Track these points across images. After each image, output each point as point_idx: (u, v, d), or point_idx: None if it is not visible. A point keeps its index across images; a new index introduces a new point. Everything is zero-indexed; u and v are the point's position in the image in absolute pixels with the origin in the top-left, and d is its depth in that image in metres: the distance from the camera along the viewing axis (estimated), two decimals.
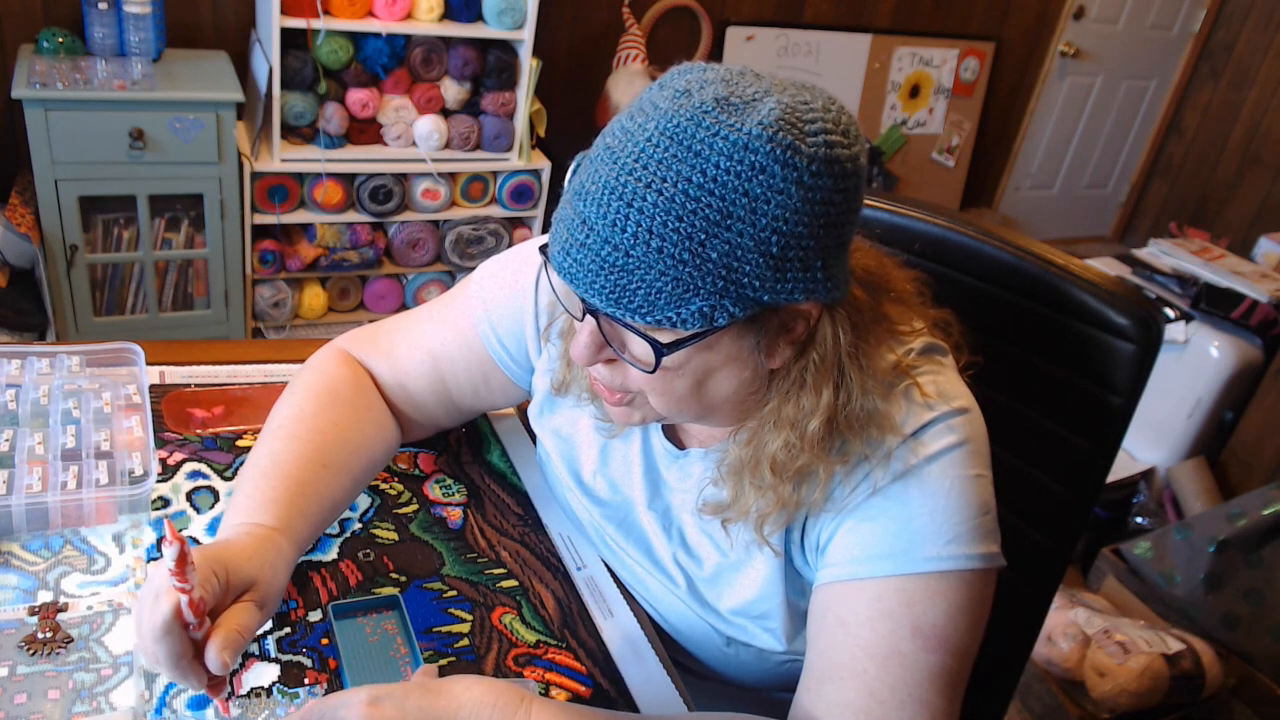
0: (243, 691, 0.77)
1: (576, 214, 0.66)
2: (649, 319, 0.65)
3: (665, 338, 0.67)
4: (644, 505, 0.91)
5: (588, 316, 0.71)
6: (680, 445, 0.88)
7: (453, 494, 1.02)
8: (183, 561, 0.64)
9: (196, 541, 0.90)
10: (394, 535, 0.95)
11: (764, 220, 0.62)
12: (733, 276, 0.64)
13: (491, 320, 0.94)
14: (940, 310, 0.83)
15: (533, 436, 1.13)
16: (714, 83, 0.65)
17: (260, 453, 0.86)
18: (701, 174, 0.62)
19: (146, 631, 0.66)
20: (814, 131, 0.63)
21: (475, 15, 2.57)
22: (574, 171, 0.70)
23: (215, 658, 0.67)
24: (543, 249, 0.72)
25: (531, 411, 0.99)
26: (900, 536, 0.74)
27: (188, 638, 0.67)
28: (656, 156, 0.63)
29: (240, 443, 1.02)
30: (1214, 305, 2.56)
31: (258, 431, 1.04)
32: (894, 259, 0.82)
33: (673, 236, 0.62)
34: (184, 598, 0.65)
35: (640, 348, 0.69)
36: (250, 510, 0.80)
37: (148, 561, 0.86)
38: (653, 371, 0.69)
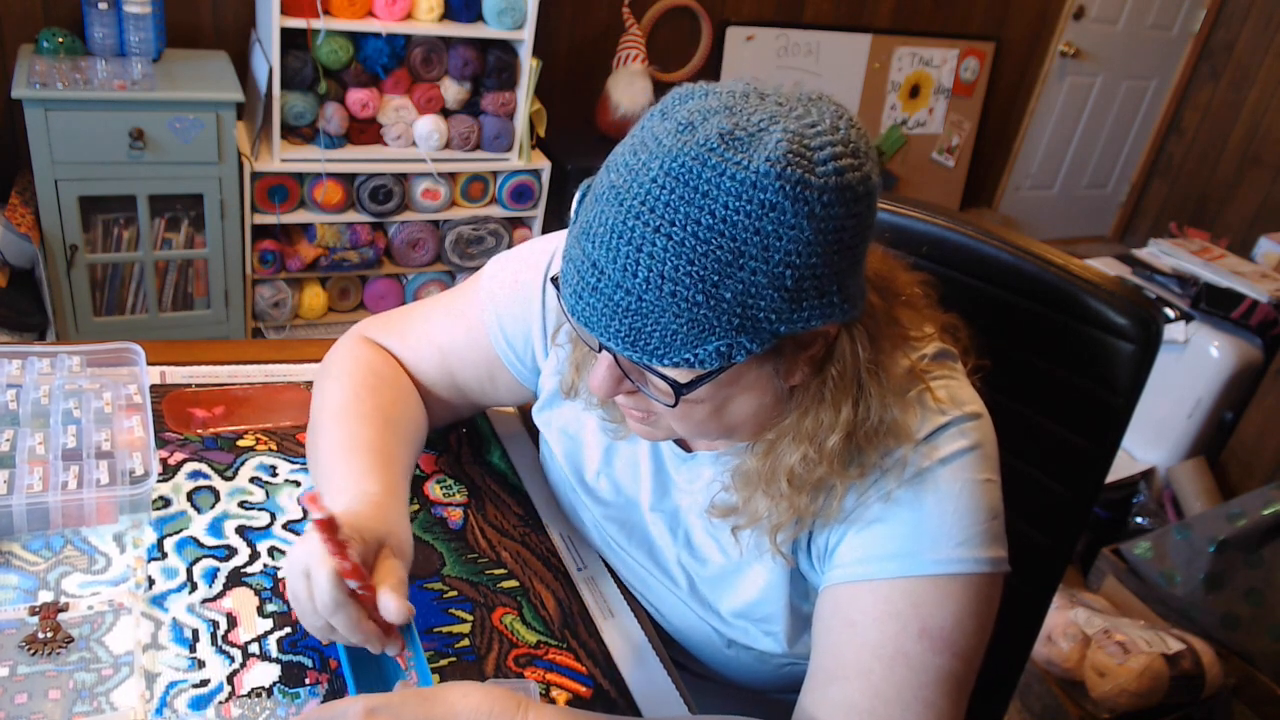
0: (243, 692, 0.77)
1: (586, 256, 0.65)
2: (666, 361, 0.65)
3: (683, 377, 0.67)
4: (650, 507, 0.91)
5: (604, 351, 0.71)
6: (687, 448, 0.88)
7: (453, 494, 1.02)
8: (334, 530, 0.68)
9: (198, 542, 0.90)
10: None
11: (777, 256, 0.62)
12: (748, 314, 0.63)
13: (500, 321, 0.94)
14: (948, 314, 0.83)
15: (533, 437, 1.13)
16: (717, 112, 0.64)
17: (334, 436, 0.88)
18: (711, 215, 0.61)
19: (319, 608, 0.70)
20: (823, 159, 0.62)
21: (475, 15, 2.57)
22: (579, 202, 0.69)
23: (396, 608, 0.71)
24: (554, 280, 0.72)
25: (537, 408, 0.99)
26: (909, 538, 0.74)
27: (357, 601, 0.71)
28: (664, 199, 0.62)
29: (241, 443, 1.02)
30: (1214, 305, 2.56)
31: (258, 431, 1.04)
32: (901, 261, 0.82)
33: (685, 280, 0.62)
34: (345, 564, 0.69)
35: (659, 383, 0.69)
36: (355, 480, 0.82)
37: (148, 561, 0.86)
38: (673, 405, 0.69)
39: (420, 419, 0.97)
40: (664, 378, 0.67)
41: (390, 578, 0.73)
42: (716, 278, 0.62)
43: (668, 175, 0.62)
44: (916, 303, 0.80)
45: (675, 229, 0.61)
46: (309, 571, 0.71)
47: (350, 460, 0.85)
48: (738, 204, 0.61)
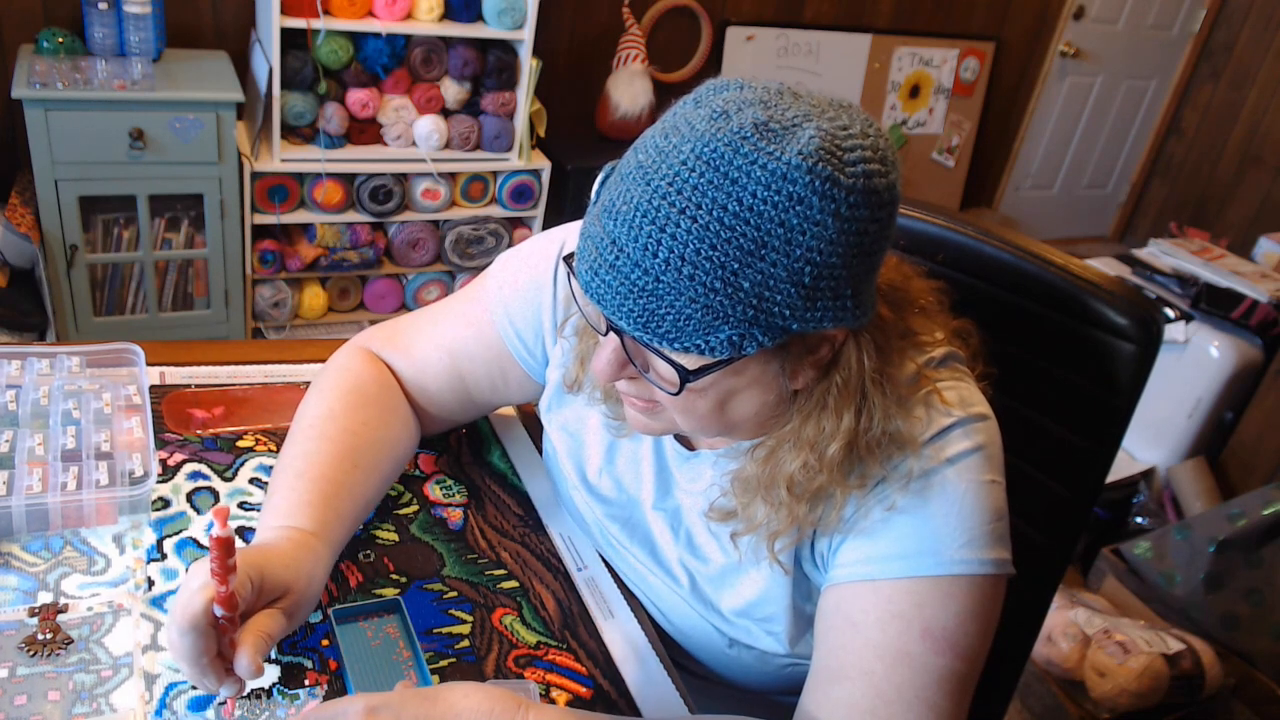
0: (243, 693, 0.77)
1: (606, 233, 0.65)
2: (676, 345, 0.65)
3: (691, 363, 0.67)
4: (652, 505, 0.91)
5: (611, 333, 0.71)
6: (690, 447, 0.88)
7: (453, 495, 1.02)
8: (227, 552, 0.65)
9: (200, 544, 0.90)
10: (394, 536, 0.95)
11: (799, 251, 0.62)
12: (763, 306, 0.63)
13: (509, 314, 0.94)
14: (960, 320, 0.83)
15: (534, 437, 1.13)
16: (753, 104, 0.64)
17: (293, 453, 0.87)
18: (738, 203, 0.61)
19: (176, 623, 0.68)
20: (853, 161, 0.62)
21: (475, 15, 2.57)
22: (602, 182, 0.69)
23: (247, 664, 0.68)
24: (568, 259, 0.72)
25: (541, 405, 0.99)
26: (913, 539, 0.74)
27: (214, 635, 0.68)
28: (692, 181, 0.62)
29: (240, 443, 1.02)
30: (1214, 305, 2.56)
31: (258, 432, 1.04)
32: (917, 269, 0.82)
33: (705, 265, 0.62)
34: (221, 588, 0.66)
35: (665, 369, 0.69)
36: (288, 513, 0.81)
37: (148, 562, 0.86)
38: (677, 394, 0.69)
39: (400, 440, 0.95)
40: (671, 362, 0.67)
41: (260, 630, 0.70)
42: (737, 265, 0.62)
43: (698, 159, 0.62)
44: (929, 310, 0.80)
45: (701, 212, 0.61)
46: (195, 589, 0.68)
47: (296, 485, 0.84)
48: (766, 194, 0.61)
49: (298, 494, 0.83)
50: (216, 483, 0.96)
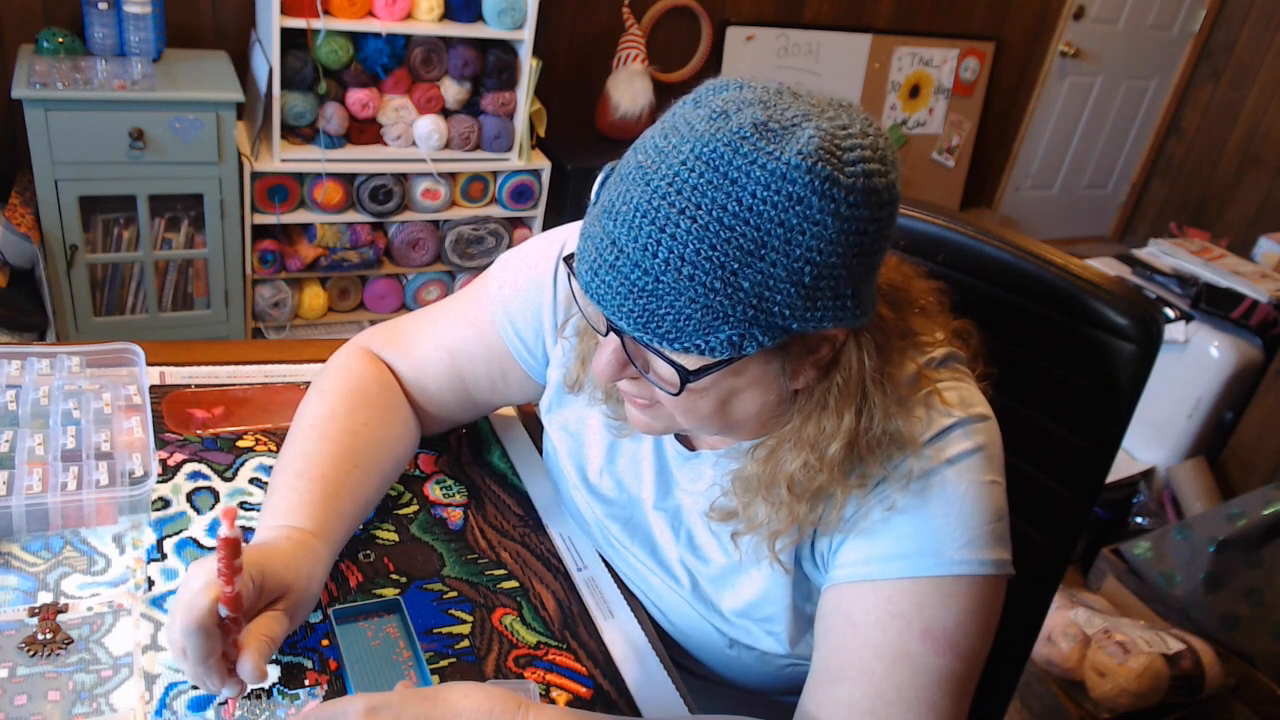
0: (244, 693, 0.76)
1: (606, 234, 0.65)
2: (676, 345, 0.65)
3: (692, 363, 0.67)
4: (653, 505, 0.91)
5: (611, 334, 0.71)
6: (691, 447, 0.88)
7: (453, 495, 1.02)
8: (234, 552, 0.65)
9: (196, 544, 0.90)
10: (394, 536, 0.95)
11: (798, 251, 0.62)
12: (763, 306, 0.63)
13: (509, 314, 0.94)
14: (961, 320, 0.83)
15: (534, 437, 1.13)
16: (752, 104, 0.64)
17: (293, 453, 0.88)
18: (737, 203, 0.61)
19: (180, 624, 0.67)
20: (853, 160, 0.62)
21: (475, 15, 2.57)
22: (602, 183, 0.69)
23: (252, 669, 0.68)
24: (568, 259, 0.72)
25: (542, 405, 0.99)
26: (914, 539, 0.74)
27: (219, 635, 0.68)
28: (691, 182, 0.62)
29: (240, 443, 1.02)
30: (1214, 305, 2.56)
31: (258, 432, 1.04)
32: (917, 269, 0.82)
33: (705, 265, 0.62)
34: (227, 589, 0.66)
35: (665, 369, 0.69)
36: (288, 513, 0.82)
37: (148, 562, 0.86)
38: (678, 394, 0.69)
39: (400, 440, 0.95)
40: (672, 363, 0.67)
41: (263, 633, 0.71)
42: (736, 265, 0.62)
43: (698, 159, 0.62)
44: (930, 311, 0.80)
45: (701, 212, 0.61)
46: (198, 589, 0.68)
47: (296, 485, 0.84)
48: (766, 194, 0.61)
49: (298, 494, 0.83)
50: (216, 483, 0.96)
